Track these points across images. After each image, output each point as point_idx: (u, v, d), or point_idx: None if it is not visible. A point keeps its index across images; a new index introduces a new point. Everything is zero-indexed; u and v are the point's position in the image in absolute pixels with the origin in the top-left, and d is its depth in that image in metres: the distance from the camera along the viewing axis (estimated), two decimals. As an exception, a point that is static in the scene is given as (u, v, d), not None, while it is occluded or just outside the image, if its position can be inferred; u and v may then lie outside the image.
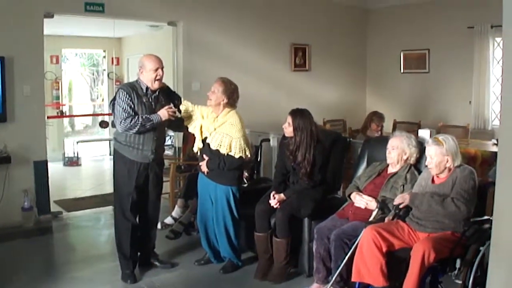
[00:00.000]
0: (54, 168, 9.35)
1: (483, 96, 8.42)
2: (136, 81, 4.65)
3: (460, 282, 3.56)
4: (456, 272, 3.60)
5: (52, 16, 6.43)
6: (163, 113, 4.53)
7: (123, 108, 4.48)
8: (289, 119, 4.74)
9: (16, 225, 6.15)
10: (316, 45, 9.30)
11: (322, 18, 9.35)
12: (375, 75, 10.16)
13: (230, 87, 4.72)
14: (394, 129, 8.29)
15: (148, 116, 4.49)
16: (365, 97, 10.31)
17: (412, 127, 7.91)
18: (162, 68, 4.61)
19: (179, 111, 4.85)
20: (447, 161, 3.90)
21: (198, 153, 4.99)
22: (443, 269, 3.66)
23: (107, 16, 6.95)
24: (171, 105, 4.62)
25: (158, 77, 4.58)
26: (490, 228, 3.19)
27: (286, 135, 4.83)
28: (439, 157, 3.88)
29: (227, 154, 4.69)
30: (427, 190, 3.93)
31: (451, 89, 8.86)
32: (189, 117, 4.88)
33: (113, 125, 4.80)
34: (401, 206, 3.92)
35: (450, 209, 3.72)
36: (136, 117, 4.46)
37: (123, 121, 4.47)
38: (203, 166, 4.82)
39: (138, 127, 4.46)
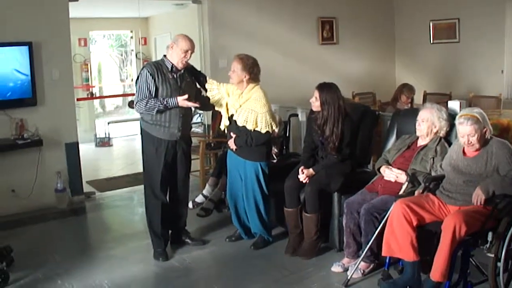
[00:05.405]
0: (86, 149, 9.52)
1: (516, 65, 8.24)
2: (162, 59, 4.67)
3: (492, 255, 3.50)
4: (488, 245, 3.52)
5: (76, 0, 6.45)
6: (182, 102, 4.49)
7: (141, 89, 4.52)
8: (316, 94, 4.68)
9: (50, 207, 6.28)
10: (343, 18, 9.19)
11: (348, -10, 9.22)
12: (404, 46, 10.00)
13: (248, 62, 4.68)
14: (424, 101, 8.17)
15: (164, 100, 4.49)
16: (394, 69, 10.16)
17: (442, 99, 7.75)
18: (191, 53, 4.62)
19: (205, 90, 4.87)
20: (485, 132, 3.78)
21: (226, 131, 5.00)
22: (474, 242, 3.57)
23: (131, -5, 6.96)
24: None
25: (185, 60, 4.59)
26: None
27: (314, 109, 4.78)
28: (478, 132, 3.73)
29: (254, 130, 4.68)
30: (458, 164, 3.85)
31: (483, 59, 8.67)
32: (215, 96, 4.88)
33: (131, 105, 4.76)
34: (482, 203, 3.61)
35: None
36: (151, 100, 4.48)
37: (138, 102, 4.53)
38: (231, 143, 4.83)
39: (156, 109, 4.50)
